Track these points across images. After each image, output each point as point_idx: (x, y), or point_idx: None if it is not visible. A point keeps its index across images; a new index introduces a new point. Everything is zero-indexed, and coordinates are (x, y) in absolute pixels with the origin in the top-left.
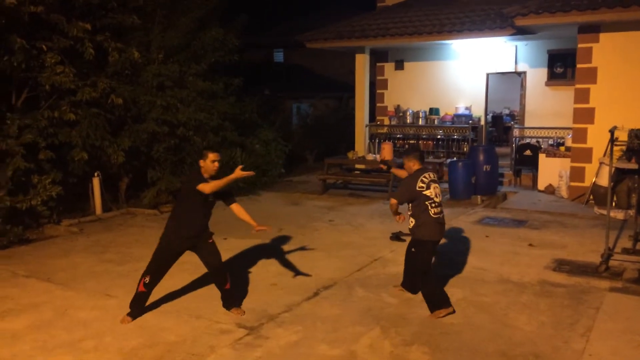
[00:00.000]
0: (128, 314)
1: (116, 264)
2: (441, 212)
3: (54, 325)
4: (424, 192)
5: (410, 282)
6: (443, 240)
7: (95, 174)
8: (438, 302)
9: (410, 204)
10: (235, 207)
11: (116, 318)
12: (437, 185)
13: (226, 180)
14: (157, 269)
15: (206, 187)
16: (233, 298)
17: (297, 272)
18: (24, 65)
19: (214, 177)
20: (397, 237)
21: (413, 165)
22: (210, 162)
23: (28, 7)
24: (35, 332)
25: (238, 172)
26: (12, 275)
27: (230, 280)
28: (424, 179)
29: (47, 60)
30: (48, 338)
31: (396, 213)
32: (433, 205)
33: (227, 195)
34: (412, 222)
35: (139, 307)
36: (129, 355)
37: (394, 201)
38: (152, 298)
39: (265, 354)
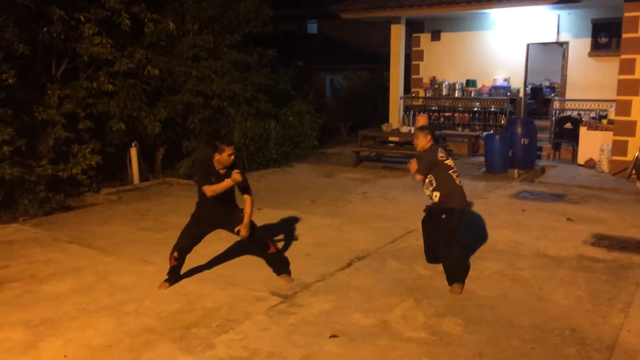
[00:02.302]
0: (165, 280)
1: (154, 231)
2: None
3: (96, 289)
4: (445, 162)
5: (434, 252)
6: (479, 214)
7: (133, 144)
8: (459, 274)
9: (431, 179)
10: (247, 198)
11: (154, 283)
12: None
13: (225, 185)
14: (184, 244)
15: (207, 191)
16: (282, 262)
17: (330, 243)
18: (62, 36)
19: (228, 168)
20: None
21: (428, 140)
22: (226, 156)
23: None
24: (78, 295)
25: (234, 177)
26: (55, 240)
27: (274, 243)
28: (442, 151)
29: (85, 31)
30: (90, 301)
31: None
32: (456, 174)
33: (243, 188)
34: (437, 195)
35: (174, 276)
36: (167, 319)
37: (419, 177)
38: (191, 265)
39: (299, 321)
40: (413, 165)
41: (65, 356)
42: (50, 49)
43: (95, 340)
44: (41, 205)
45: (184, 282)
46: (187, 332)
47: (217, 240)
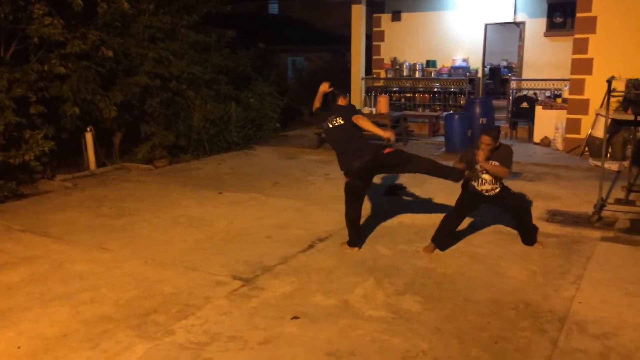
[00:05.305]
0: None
1: (111, 218)
2: None
3: (51, 278)
4: None
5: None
6: (438, 193)
7: (88, 129)
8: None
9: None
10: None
11: (112, 270)
12: None
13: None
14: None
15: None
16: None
17: (292, 225)
18: (11, 16)
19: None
20: (392, 191)
21: None
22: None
23: None
24: (32, 284)
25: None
26: (6, 229)
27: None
28: None
29: (34, 11)
30: (45, 290)
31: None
32: None
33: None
34: (497, 187)
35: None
36: (125, 306)
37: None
38: (149, 252)
39: (260, 304)
40: (502, 168)
41: (18, 347)
42: None
43: (49, 330)
44: None
45: (142, 267)
46: (145, 319)
47: (174, 226)
